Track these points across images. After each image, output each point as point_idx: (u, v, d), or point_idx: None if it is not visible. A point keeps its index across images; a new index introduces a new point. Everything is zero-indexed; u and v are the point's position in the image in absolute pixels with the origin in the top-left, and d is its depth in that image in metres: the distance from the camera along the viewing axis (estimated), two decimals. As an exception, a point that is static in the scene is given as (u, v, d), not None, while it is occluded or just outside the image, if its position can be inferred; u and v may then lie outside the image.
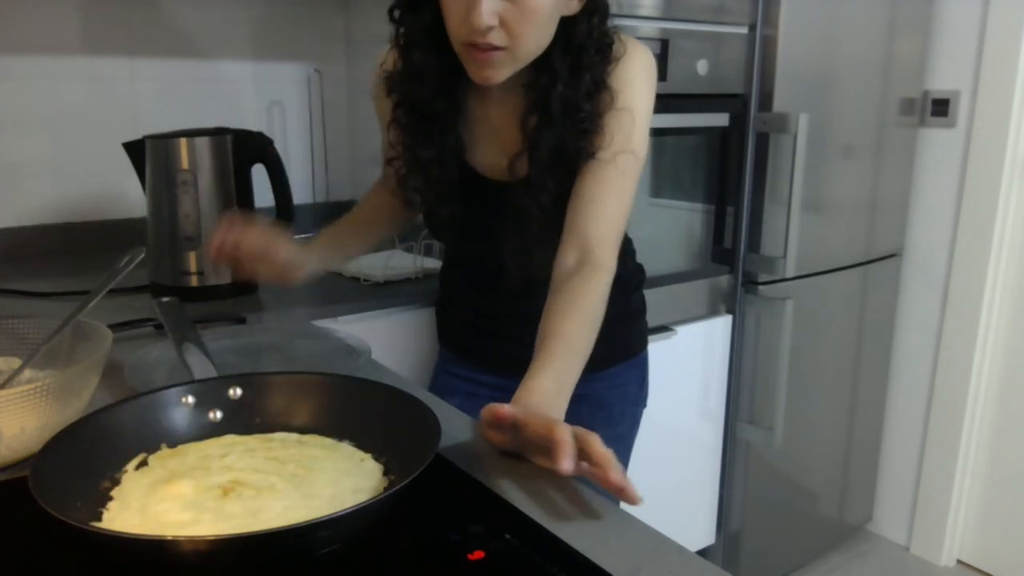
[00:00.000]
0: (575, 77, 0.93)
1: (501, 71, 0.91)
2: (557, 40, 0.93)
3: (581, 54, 0.93)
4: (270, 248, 1.06)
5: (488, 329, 1.18)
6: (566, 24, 0.92)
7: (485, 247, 1.07)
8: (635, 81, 0.96)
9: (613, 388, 1.20)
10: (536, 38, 0.90)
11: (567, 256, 0.95)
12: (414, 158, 1.01)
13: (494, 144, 1.03)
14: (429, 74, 0.96)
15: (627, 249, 1.21)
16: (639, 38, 1.64)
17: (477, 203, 1.06)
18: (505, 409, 0.73)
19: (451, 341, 1.29)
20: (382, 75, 1.03)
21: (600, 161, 0.95)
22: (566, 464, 0.65)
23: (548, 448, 0.70)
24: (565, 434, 0.67)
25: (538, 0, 0.87)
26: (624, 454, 1.25)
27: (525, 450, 0.75)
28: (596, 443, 0.67)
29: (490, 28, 0.85)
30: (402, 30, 0.96)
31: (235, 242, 1.05)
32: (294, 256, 1.08)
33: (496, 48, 0.88)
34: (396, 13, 0.97)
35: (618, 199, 0.96)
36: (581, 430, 0.69)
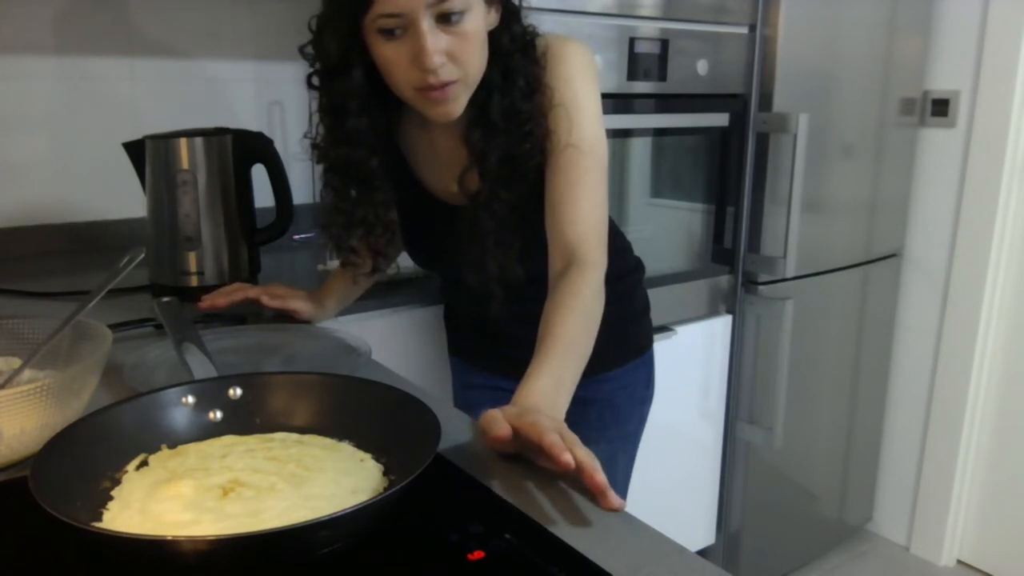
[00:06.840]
0: (508, 83, 0.95)
1: (459, 102, 0.92)
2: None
3: (509, 60, 0.95)
4: (289, 312, 1.18)
5: (494, 334, 1.18)
6: (491, 37, 0.94)
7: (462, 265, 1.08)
8: (575, 80, 0.97)
9: (622, 389, 1.21)
10: (480, 59, 0.92)
11: (555, 263, 0.96)
12: (348, 220, 1.02)
13: (447, 169, 1.03)
14: (363, 137, 0.96)
15: (622, 244, 1.21)
16: (639, 38, 1.67)
17: (445, 228, 1.06)
18: (504, 430, 0.73)
19: (462, 349, 1.31)
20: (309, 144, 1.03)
21: (553, 161, 0.96)
22: (566, 457, 0.67)
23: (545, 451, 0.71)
24: (554, 436, 0.69)
25: (474, 23, 0.89)
26: (631, 452, 1.26)
27: (526, 452, 0.75)
28: (579, 449, 0.69)
29: (442, 65, 0.87)
30: (328, 97, 0.95)
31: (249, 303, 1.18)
32: (311, 315, 1.20)
33: (450, 83, 0.89)
34: (315, 80, 0.96)
35: (588, 198, 0.96)
36: (569, 436, 0.70)
